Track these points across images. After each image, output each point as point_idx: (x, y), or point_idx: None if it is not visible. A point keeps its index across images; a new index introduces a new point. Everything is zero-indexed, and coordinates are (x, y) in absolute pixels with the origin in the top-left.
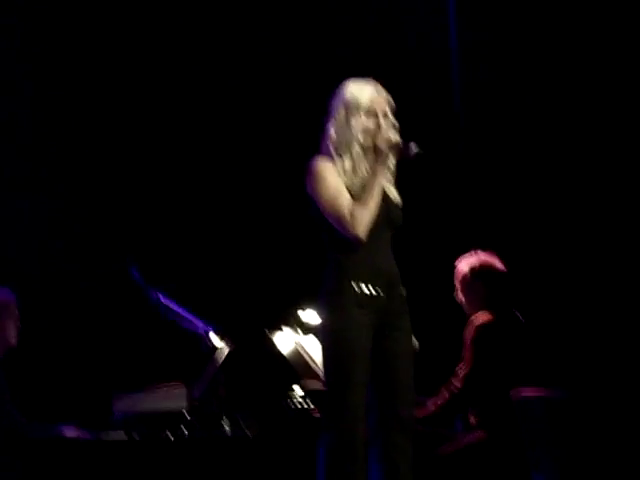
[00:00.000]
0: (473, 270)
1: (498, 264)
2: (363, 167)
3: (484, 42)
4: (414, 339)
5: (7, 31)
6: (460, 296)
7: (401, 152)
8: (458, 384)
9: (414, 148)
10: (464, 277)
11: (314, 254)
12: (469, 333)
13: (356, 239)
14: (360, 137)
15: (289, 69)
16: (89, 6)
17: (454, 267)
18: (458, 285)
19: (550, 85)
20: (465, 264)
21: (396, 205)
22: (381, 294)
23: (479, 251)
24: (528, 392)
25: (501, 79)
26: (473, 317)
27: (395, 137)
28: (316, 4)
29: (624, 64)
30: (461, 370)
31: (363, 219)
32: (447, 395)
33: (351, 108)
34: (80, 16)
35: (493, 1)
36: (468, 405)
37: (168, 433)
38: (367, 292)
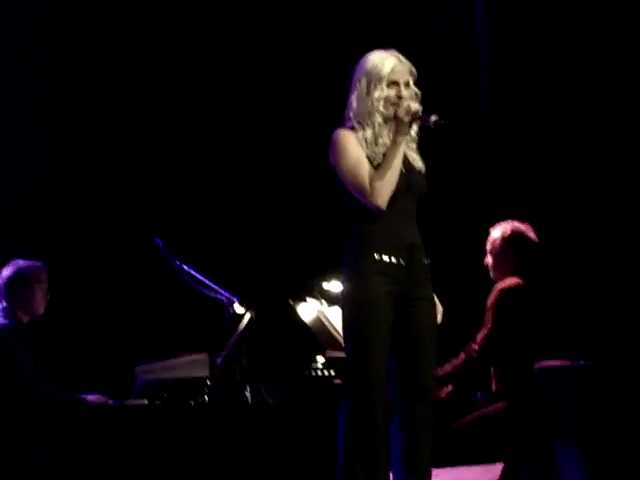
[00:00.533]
0: (505, 236)
1: (531, 234)
2: (385, 137)
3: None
4: (439, 306)
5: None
6: (489, 260)
7: (422, 121)
8: (476, 346)
9: (434, 117)
10: (495, 242)
11: (339, 225)
12: (492, 296)
13: (376, 209)
14: (381, 107)
15: (315, 42)
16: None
17: (477, 236)
18: (489, 249)
19: (574, 50)
20: (498, 230)
21: (419, 173)
22: (403, 263)
23: (514, 220)
24: (551, 363)
25: (525, 45)
26: (499, 282)
27: (416, 106)
28: None
29: None
30: (480, 333)
31: (383, 189)
32: (464, 356)
33: (373, 78)
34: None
35: None
36: (485, 368)
37: (189, 400)
38: (388, 261)
